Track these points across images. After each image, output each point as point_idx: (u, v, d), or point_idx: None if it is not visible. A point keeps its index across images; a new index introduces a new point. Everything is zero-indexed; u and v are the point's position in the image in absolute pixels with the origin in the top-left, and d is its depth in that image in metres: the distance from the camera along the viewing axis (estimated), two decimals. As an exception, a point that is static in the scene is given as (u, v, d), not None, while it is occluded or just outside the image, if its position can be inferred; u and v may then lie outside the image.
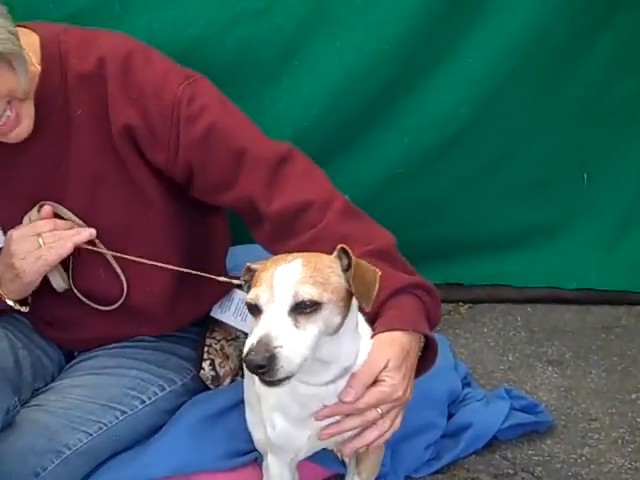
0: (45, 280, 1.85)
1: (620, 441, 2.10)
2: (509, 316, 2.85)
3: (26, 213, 1.83)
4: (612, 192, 2.90)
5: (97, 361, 1.99)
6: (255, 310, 1.27)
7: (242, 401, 1.85)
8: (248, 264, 1.38)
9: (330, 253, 1.36)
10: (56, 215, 1.83)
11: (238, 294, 2.05)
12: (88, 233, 1.80)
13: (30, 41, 1.73)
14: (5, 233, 1.83)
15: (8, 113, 1.65)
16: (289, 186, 1.67)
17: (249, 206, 1.70)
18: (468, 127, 2.72)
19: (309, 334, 1.25)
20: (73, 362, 2.04)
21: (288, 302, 1.24)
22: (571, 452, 2.07)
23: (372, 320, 1.47)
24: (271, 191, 1.67)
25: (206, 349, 2.10)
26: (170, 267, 1.79)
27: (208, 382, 2.07)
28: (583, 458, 2.04)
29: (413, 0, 2.51)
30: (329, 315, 1.27)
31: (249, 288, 1.34)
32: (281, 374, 1.21)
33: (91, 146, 1.78)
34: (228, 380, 2.10)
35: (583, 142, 2.83)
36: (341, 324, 1.31)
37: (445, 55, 2.64)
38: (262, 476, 1.87)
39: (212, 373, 2.07)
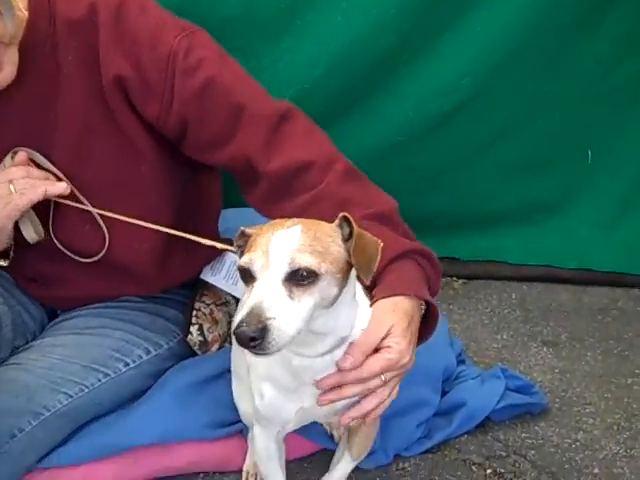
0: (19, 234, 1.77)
1: (615, 427, 2.05)
2: (504, 293, 2.80)
3: None
4: (614, 171, 2.84)
5: (80, 320, 1.93)
6: (248, 276, 1.20)
7: (229, 369, 1.79)
8: (242, 228, 1.30)
9: (329, 216, 1.30)
10: (33, 163, 1.74)
11: (230, 257, 1.99)
12: (62, 186, 1.72)
13: None
14: None
15: None
16: (289, 145, 1.61)
17: (245, 165, 1.63)
18: (471, 99, 2.65)
19: (304, 306, 1.17)
20: (55, 321, 1.98)
21: (284, 270, 1.17)
22: (565, 436, 2.01)
23: (370, 287, 1.40)
24: (270, 149, 1.61)
25: (195, 313, 2.04)
26: (156, 227, 1.71)
27: (195, 347, 2.01)
28: (577, 443, 1.99)
29: (423, -36, 2.43)
30: (326, 287, 1.20)
31: (242, 254, 1.27)
32: (273, 347, 1.14)
33: (80, 96, 1.70)
34: (216, 346, 2.05)
35: (587, 120, 2.77)
36: (338, 296, 1.24)
37: (452, 23, 2.55)
38: (247, 448, 1.83)
39: (200, 338, 2.02)
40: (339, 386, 1.33)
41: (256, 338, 1.12)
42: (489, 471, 1.89)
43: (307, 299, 1.17)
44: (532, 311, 2.68)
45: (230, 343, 2.03)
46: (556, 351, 2.42)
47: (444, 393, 2.07)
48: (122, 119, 1.70)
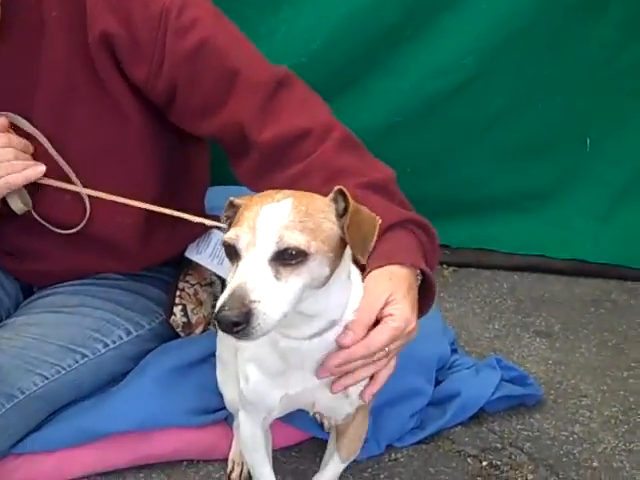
0: (4, 205, 1.67)
1: (613, 420, 1.98)
2: (495, 282, 2.74)
3: None
4: (613, 160, 2.79)
5: (57, 298, 1.84)
6: (233, 253, 1.11)
7: (214, 353, 1.69)
8: (231, 198, 1.21)
9: (322, 186, 1.24)
10: (14, 127, 1.63)
11: (216, 234, 1.90)
12: (41, 170, 1.63)
13: None
14: None
15: None
16: (285, 114, 1.53)
17: (238, 134, 1.55)
18: (472, 79, 2.61)
19: (291, 287, 1.09)
20: (31, 298, 1.89)
21: (271, 248, 1.08)
22: (562, 429, 1.94)
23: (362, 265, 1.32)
24: (265, 118, 1.53)
25: (178, 293, 1.96)
26: (142, 205, 1.63)
27: (179, 329, 1.93)
28: (575, 436, 1.92)
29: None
30: (317, 267, 1.11)
31: (229, 226, 1.18)
32: (257, 332, 1.05)
33: (63, 53, 1.60)
34: (200, 328, 1.97)
35: (588, 106, 2.72)
36: (330, 276, 1.15)
37: (457, -1, 2.51)
38: (233, 436, 1.74)
39: (184, 320, 1.93)
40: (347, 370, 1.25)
41: (239, 323, 1.03)
42: (485, 463, 1.82)
43: (295, 280, 1.09)
44: (524, 301, 2.61)
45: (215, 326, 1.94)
46: (550, 342, 2.36)
47: (437, 383, 1.99)
48: (108, 80, 1.61)
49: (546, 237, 2.81)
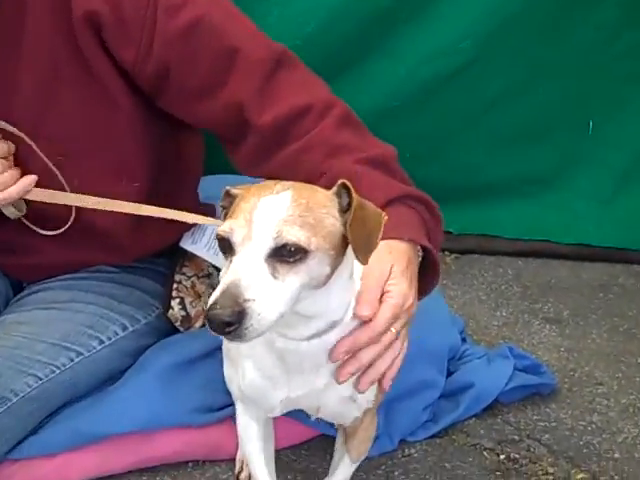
0: None
1: (631, 409, 1.92)
2: (499, 269, 2.67)
3: None
4: (615, 144, 2.74)
5: (48, 294, 1.76)
6: (227, 247, 1.02)
7: (219, 347, 1.60)
8: (228, 188, 1.12)
9: (321, 162, 1.21)
10: None
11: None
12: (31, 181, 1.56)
13: None
14: None
15: None
16: (285, 93, 1.47)
17: (236, 117, 1.47)
18: (469, 63, 2.56)
19: (288, 287, 1.00)
20: (21, 295, 1.80)
21: (268, 244, 0.99)
22: (579, 419, 1.87)
23: None
24: (264, 99, 1.46)
25: (175, 286, 1.88)
26: (130, 210, 1.56)
27: (177, 323, 1.85)
28: (593, 426, 1.85)
29: None
30: (316, 265, 1.02)
31: (225, 216, 1.10)
32: (251, 334, 0.97)
33: (47, 34, 1.51)
34: (200, 322, 1.89)
35: (589, 89, 2.66)
36: (330, 275, 1.06)
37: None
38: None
39: (182, 313, 1.85)
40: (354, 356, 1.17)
41: (232, 323, 0.95)
42: (502, 457, 1.75)
43: (293, 279, 1.00)
44: (530, 287, 2.55)
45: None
46: (560, 329, 2.29)
47: (449, 374, 1.91)
48: (94, 62, 1.52)
49: (549, 222, 2.75)
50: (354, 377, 1.19)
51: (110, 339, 1.71)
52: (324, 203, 1.05)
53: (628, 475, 1.70)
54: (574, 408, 1.91)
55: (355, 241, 1.04)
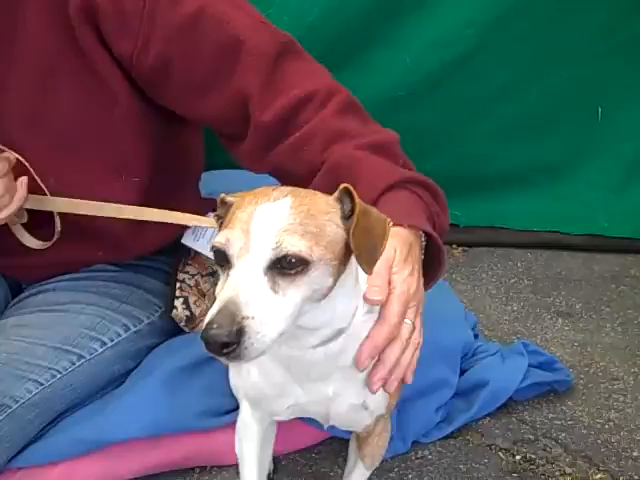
0: None
1: (650, 405, 1.87)
2: (509, 261, 2.61)
3: None
4: (626, 131, 2.68)
5: (48, 295, 1.72)
6: (223, 260, 0.95)
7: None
8: (222, 195, 1.06)
9: (322, 151, 1.19)
10: None
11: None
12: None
13: None
14: None
15: None
16: (289, 85, 1.43)
17: (239, 112, 1.43)
18: (474, 51, 2.51)
19: (289, 302, 0.94)
20: (20, 297, 1.75)
21: (267, 255, 0.93)
22: (596, 416, 1.82)
23: None
24: (268, 94, 1.42)
25: (178, 285, 1.82)
26: (128, 214, 1.54)
27: (182, 324, 1.80)
28: (611, 424, 1.80)
29: None
30: (318, 277, 0.96)
31: (221, 225, 1.04)
32: (250, 354, 0.91)
33: (42, 26, 1.47)
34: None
35: (597, 76, 2.61)
36: (333, 287, 1.00)
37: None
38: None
39: (186, 313, 1.80)
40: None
41: (229, 344, 0.88)
42: (518, 457, 1.70)
43: (294, 292, 0.94)
44: (541, 280, 2.49)
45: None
46: (572, 323, 2.24)
47: (462, 372, 1.86)
48: (91, 54, 1.48)
49: (558, 212, 2.70)
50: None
51: (112, 341, 1.66)
52: (325, 209, 0.99)
53: (649, 474, 1.65)
54: (590, 405, 1.86)
55: (359, 250, 0.98)
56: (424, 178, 1.31)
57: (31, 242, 1.62)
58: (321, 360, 1.09)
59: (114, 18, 1.42)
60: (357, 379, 1.15)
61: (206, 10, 1.41)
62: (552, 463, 1.68)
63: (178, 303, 1.78)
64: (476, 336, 2.02)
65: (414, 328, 1.15)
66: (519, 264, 2.59)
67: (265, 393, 1.19)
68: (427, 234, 1.23)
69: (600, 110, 2.63)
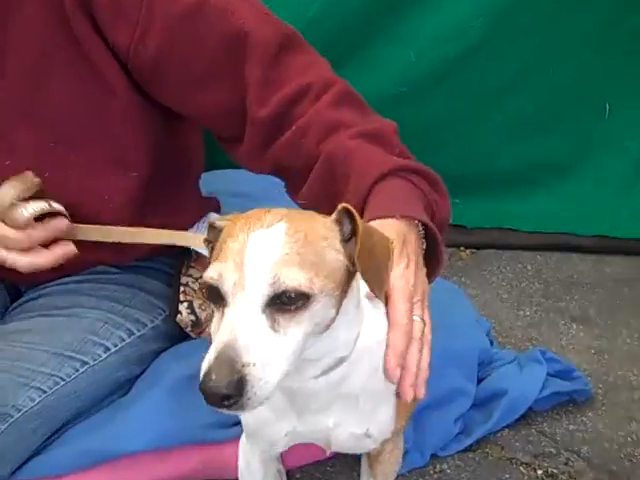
0: None
1: (674, 417, 1.81)
2: (518, 264, 2.54)
3: None
4: (635, 128, 2.58)
5: (48, 299, 1.64)
6: (217, 297, 0.88)
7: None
8: (210, 220, 0.99)
9: (318, 143, 1.15)
10: None
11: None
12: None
13: None
14: None
15: None
16: (287, 80, 1.38)
17: (238, 107, 1.38)
18: (480, 44, 2.43)
19: (291, 340, 0.87)
20: (19, 302, 1.68)
21: (264, 292, 0.85)
22: (618, 428, 1.76)
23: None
24: (267, 90, 1.37)
25: (182, 289, 1.75)
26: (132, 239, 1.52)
27: (188, 329, 1.73)
28: (634, 436, 1.74)
29: None
30: (320, 310, 0.88)
31: (212, 250, 0.96)
32: (254, 403, 0.84)
33: (36, 14, 1.41)
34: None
35: (605, 70, 2.52)
36: (335, 318, 0.92)
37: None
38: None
39: (191, 318, 1.72)
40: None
41: (230, 396, 0.82)
42: (540, 472, 1.64)
43: (295, 330, 0.87)
44: (552, 283, 2.42)
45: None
46: (588, 328, 2.17)
47: (479, 381, 1.79)
48: (87, 44, 1.42)
49: (567, 213, 2.61)
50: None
51: (116, 346, 1.60)
52: (324, 234, 0.91)
53: (676, 490, 1.59)
54: (611, 416, 1.80)
55: (366, 276, 0.90)
56: (420, 165, 1.24)
57: None
58: (323, 389, 1.02)
59: (111, 7, 1.36)
60: (358, 408, 1.08)
61: (208, 1, 1.35)
62: (575, 478, 1.62)
63: (182, 308, 1.71)
64: (491, 342, 1.96)
65: (424, 324, 1.08)
66: (529, 267, 2.52)
67: (263, 420, 1.12)
68: (424, 224, 1.16)
69: (607, 106, 2.55)
